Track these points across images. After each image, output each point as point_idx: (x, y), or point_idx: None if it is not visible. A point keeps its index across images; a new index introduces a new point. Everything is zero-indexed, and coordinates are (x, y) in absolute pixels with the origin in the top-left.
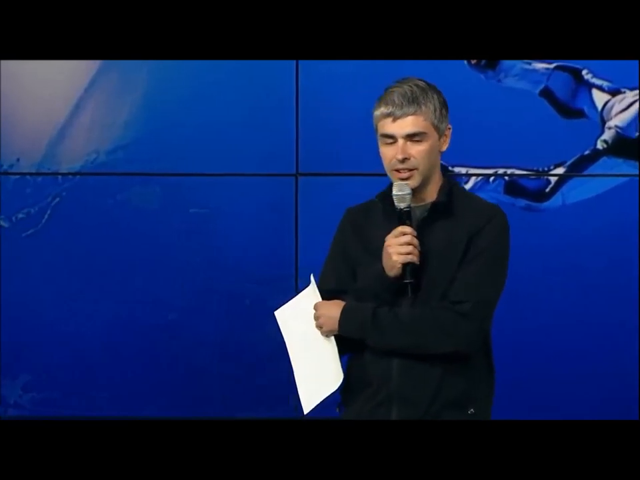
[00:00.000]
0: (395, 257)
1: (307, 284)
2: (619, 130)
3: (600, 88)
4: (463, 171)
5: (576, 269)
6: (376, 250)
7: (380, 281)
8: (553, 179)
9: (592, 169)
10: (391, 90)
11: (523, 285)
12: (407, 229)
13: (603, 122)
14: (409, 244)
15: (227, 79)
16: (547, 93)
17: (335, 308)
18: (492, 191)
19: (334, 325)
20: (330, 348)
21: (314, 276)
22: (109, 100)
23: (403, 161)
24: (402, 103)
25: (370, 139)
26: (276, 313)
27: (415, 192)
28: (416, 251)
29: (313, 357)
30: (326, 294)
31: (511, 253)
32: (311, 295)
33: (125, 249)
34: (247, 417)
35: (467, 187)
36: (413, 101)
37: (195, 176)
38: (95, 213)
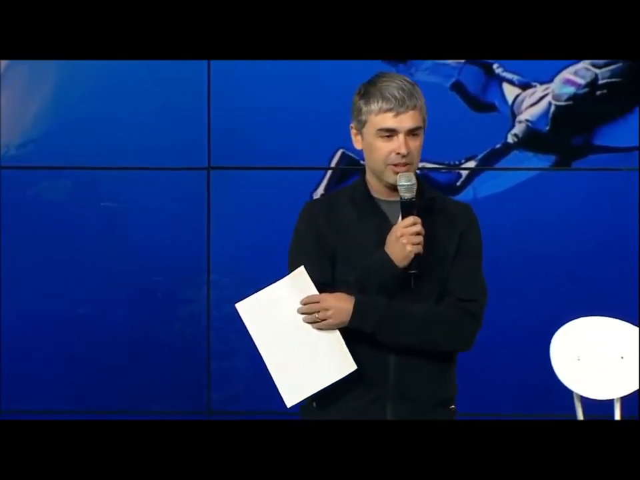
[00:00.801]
0: (409, 247)
1: (220, 277)
2: (529, 124)
3: (510, 82)
4: None
5: (486, 262)
6: (355, 241)
7: (388, 271)
8: (464, 173)
9: (503, 163)
10: (383, 84)
11: None
12: (417, 219)
13: (514, 116)
14: (418, 234)
15: (140, 76)
16: (458, 87)
17: (344, 301)
18: None
19: (345, 317)
20: (332, 338)
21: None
22: (19, 94)
23: (405, 155)
24: (403, 98)
25: (281, 133)
26: (237, 305)
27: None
28: (423, 242)
29: (299, 348)
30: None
31: None
32: (295, 285)
33: (36, 242)
34: (158, 411)
35: None
36: (412, 96)
37: (106, 169)
38: (6, 206)
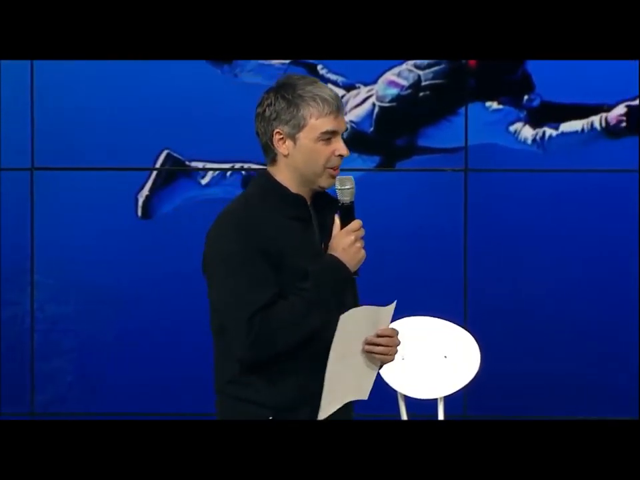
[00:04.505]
0: (363, 251)
1: (44, 278)
2: (353, 125)
3: (335, 83)
4: (200, 165)
5: None
6: (299, 249)
7: (342, 275)
8: None
9: None
10: (316, 88)
11: None
12: (361, 222)
13: None
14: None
15: None
16: None
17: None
18: (229, 185)
19: None
20: (375, 368)
21: None
22: None
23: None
24: (337, 99)
25: (106, 134)
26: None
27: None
28: None
29: (353, 366)
30: (271, 299)
31: None
32: (380, 317)
33: None
34: None
35: (204, 181)
36: (339, 98)
37: None
38: None
